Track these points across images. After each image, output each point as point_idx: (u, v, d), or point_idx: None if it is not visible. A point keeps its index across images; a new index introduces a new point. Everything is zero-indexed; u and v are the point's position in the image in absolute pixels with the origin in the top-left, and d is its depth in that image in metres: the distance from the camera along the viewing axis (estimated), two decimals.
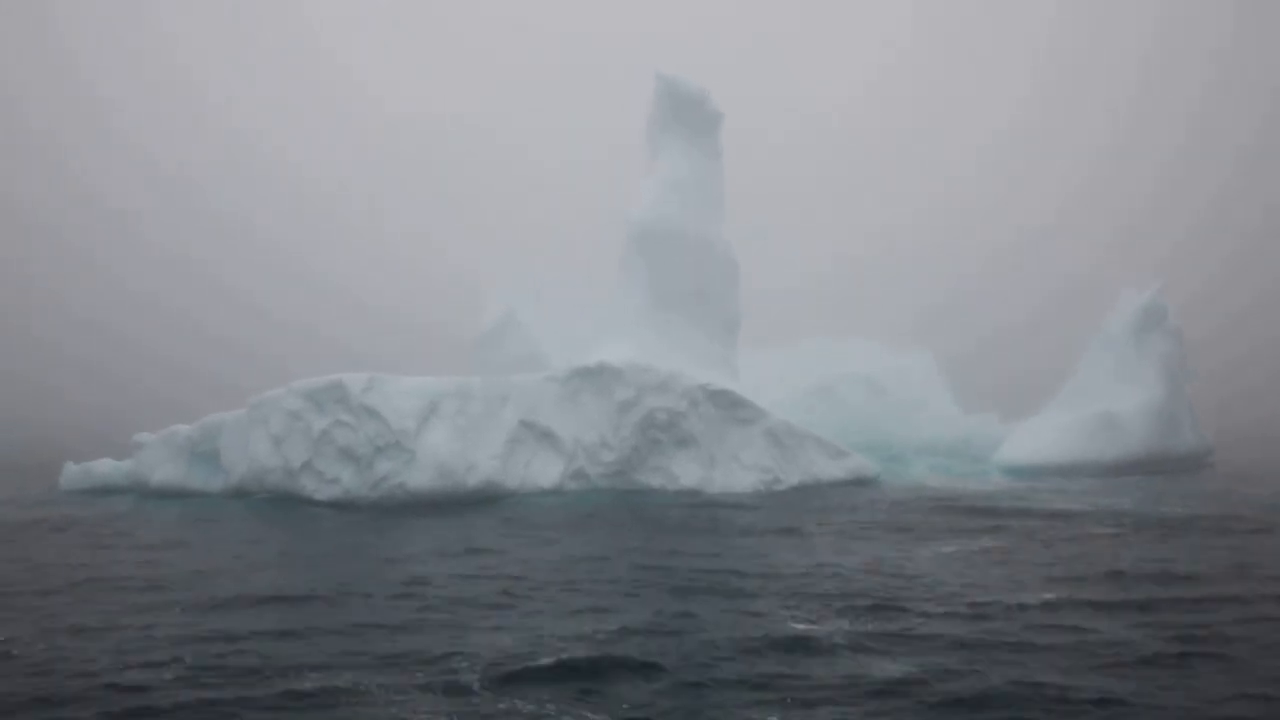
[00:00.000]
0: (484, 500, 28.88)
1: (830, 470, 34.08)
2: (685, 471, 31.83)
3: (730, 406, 33.09)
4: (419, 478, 28.59)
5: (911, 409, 53.40)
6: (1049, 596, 14.07)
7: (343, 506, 27.82)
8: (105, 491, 31.81)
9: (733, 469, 32.59)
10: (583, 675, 10.04)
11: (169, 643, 11.69)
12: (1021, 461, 41.82)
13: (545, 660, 10.51)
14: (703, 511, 26.03)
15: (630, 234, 37.61)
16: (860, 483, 34.11)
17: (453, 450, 29.21)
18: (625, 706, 9.16)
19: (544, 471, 30.66)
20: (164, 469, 31.25)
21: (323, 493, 28.44)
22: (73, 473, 32.37)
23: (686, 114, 39.05)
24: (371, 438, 28.66)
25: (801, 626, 11.99)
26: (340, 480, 28.56)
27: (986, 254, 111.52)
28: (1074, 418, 42.93)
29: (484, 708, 9.11)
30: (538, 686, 9.71)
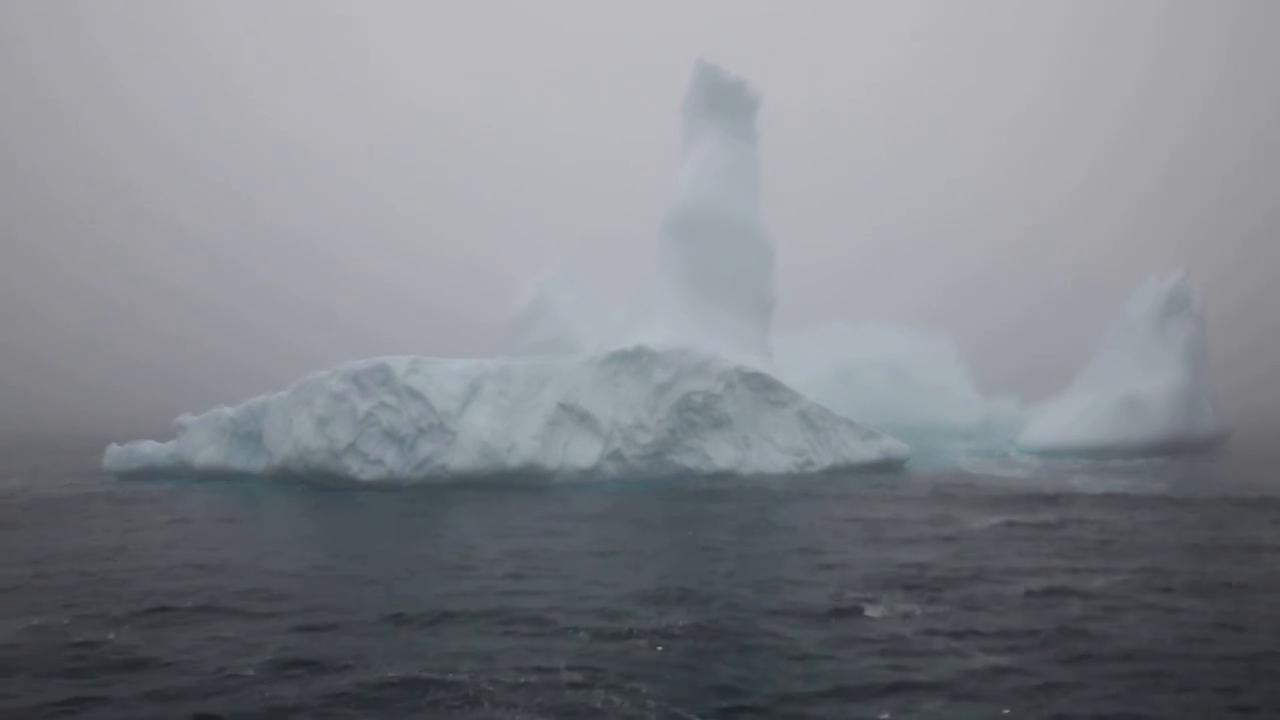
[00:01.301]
0: (524, 481, 29.16)
1: (861, 452, 34.47)
2: (720, 453, 32.12)
3: (765, 389, 33.41)
4: (461, 459, 28.94)
5: (932, 393, 53.71)
6: (1123, 576, 14.22)
7: (387, 487, 28.13)
8: (148, 472, 32.08)
9: (767, 450, 32.93)
10: (652, 665, 9.74)
11: (232, 625, 11.60)
12: (1047, 443, 42.26)
13: (612, 650, 10.25)
14: (746, 495, 26.19)
15: (668, 219, 37.76)
16: (891, 465, 34.48)
17: (494, 432, 29.52)
18: (698, 698, 8.82)
19: (582, 453, 30.91)
20: (206, 450, 31.50)
21: (367, 473, 28.72)
22: (115, 454, 32.55)
23: (723, 100, 39.19)
24: (415, 419, 28.98)
25: (873, 613, 11.75)
26: (384, 461, 28.86)
27: (1001, 243, 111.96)
28: (1098, 400, 43.35)
29: (564, 695, 8.84)
30: (607, 674, 9.40)
